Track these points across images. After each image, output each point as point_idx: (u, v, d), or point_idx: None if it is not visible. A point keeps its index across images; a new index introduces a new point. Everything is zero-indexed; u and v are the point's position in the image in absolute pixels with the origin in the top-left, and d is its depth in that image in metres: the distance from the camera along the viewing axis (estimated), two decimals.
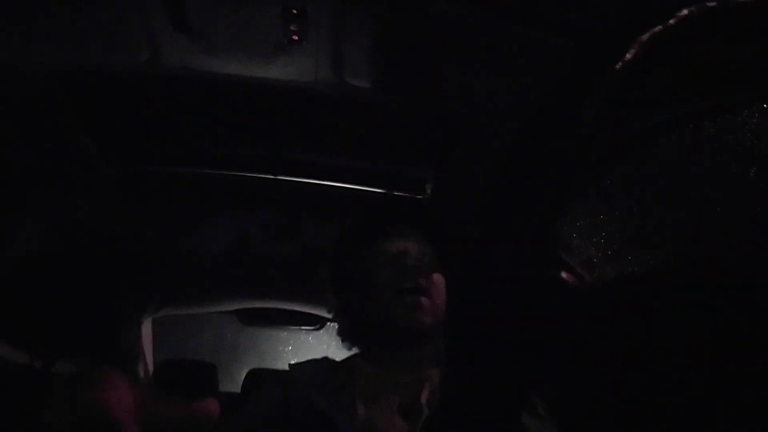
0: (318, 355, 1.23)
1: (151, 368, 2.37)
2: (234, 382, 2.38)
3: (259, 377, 2.30)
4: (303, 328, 2.77)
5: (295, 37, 1.10)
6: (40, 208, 1.59)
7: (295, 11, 1.04)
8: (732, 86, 0.94)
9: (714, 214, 0.93)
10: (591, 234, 1.03)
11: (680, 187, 1.01)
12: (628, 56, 0.40)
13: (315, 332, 3.39)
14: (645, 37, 0.40)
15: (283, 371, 1.18)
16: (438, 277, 1.13)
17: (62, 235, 1.69)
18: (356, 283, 1.17)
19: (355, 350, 1.23)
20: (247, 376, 2.37)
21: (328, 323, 2.56)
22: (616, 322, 0.48)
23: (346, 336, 1.23)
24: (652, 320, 0.47)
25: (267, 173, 1.69)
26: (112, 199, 1.73)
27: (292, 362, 1.19)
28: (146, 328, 2.35)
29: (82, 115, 1.44)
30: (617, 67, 0.40)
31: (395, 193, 1.71)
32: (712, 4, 0.40)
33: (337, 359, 1.22)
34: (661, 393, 0.44)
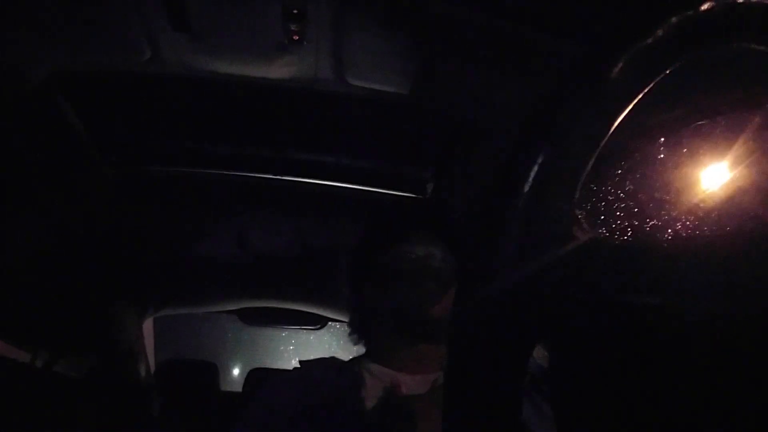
0: (319, 355, 1.24)
1: (152, 368, 2.37)
2: (234, 382, 2.37)
3: (261, 377, 2.30)
4: (304, 327, 2.77)
5: (295, 37, 1.10)
6: (40, 208, 1.58)
7: (295, 11, 1.04)
8: (733, 86, 0.94)
9: (714, 214, 0.93)
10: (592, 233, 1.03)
11: (680, 188, 1.01)
12: (657, 34, 0.40)
13: (316, 332, 3.40)
14: (675, 19, 0.40)
15: (294, 369, 1.18)
16: (455, 280, 1.15)
17: (62, 235, 1.69)
18: (378, 279, 1.19)
19: (361, 347, 1.23)
20: (248, 375, 2.37)
21: (330, 323, 2.56)
22: (618, 319, 0.48)
23: (356, 329, 1.23)
24: (656, 317, 0.46)
25: (267, 173, 1.69)
26: (112, 199, 1.72)
27: (302, 359, 1.20)
28: (146, 328, 2.35)
29: (83, 115, 1.44)
30: (646, 42, 0.40)
31: (399, 194, 1.71)
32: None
33: (342, 359, 1.22)
34: (666, 392, 0.44)
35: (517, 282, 0.42)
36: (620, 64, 0.40)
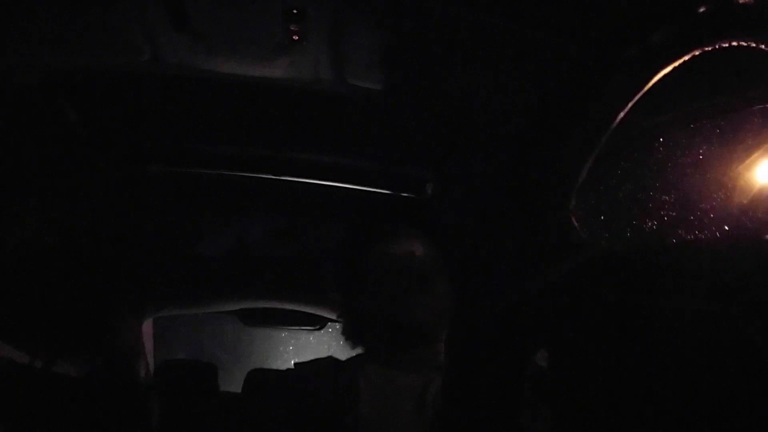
0: (318, 355, 1.23)
1: (151, 368, 2.37)
2: (234, 382, 2.37)
3: (260, 377, 2.30)
4: (303, 328, 2.77)
5: (295, 37, 1.10)
6: (40, 208, 1.59)
7: (295, 11, 1.04)
8: (732, 86, 0.94)
9: (714, 213, 0.93)
10: (591, 234, 1.03)
11: (681, 188, 1.01)
12: (655, 38, 0.40)
13: (316, 332, 3.39)
14: (665, 27, 0.40)
15: (289, 369, 1.18)
16: (442, 279, 1.14)
17: (62, 234, 1.69)
18: (362, 282, 1.18)
19: (358, 350, 1.23)
20: (247, 376, 2.36)
21: (329, 323, 2.56)
22: (616, 320, 0.48)
23: (350, 335, 1.23)
24: (653, 318, 0.47)
25: (267, 173, 1.69)
26: (112, 198, 1.72)
27: (297, 361, 1.19)
28: (146, 328, 2.35)
29: (83, 115, 1.44)
30: (647, 46, 0.40)
31: (400, 194, 1.71)
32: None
33: (341, 359, 1.22)
34: (662, 392, 0.44)
35: (518, 293, 0.42)
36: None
